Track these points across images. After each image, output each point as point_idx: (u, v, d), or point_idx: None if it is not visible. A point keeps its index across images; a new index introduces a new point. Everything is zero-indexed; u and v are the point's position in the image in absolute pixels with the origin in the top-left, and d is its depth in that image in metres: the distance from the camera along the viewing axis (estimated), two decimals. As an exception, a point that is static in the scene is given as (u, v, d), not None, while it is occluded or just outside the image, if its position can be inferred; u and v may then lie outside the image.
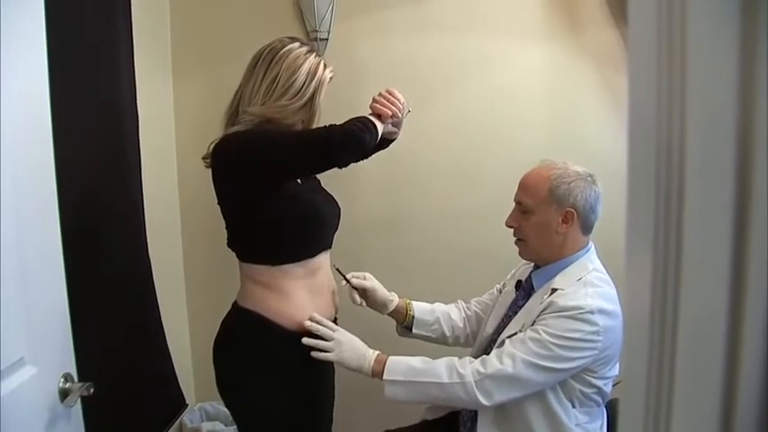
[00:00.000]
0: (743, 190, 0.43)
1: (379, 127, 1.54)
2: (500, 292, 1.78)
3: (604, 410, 1.56)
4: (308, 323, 1.51)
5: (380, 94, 1.58)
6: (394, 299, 1.76)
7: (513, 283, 1.70)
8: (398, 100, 1.58)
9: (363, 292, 1.71)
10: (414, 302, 1.80)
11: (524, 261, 1.72)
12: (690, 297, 0.48)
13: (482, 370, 1.44)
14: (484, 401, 1.43)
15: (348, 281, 1.65)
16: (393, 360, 1.51)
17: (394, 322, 1.82)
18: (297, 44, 1.53)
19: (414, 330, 1.77)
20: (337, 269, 1.62)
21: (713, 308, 0.45)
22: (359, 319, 1.72)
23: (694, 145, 0.46)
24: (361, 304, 1.71)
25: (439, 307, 1.83)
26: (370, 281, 1.72)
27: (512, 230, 1.60)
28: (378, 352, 1.54)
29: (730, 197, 0.43)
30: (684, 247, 0.48)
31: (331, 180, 1.72)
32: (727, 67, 0.44)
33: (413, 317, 1.76)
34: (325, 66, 1.55)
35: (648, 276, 0.51)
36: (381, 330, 1.80)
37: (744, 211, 0.43)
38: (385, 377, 1.48)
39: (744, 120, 0.43)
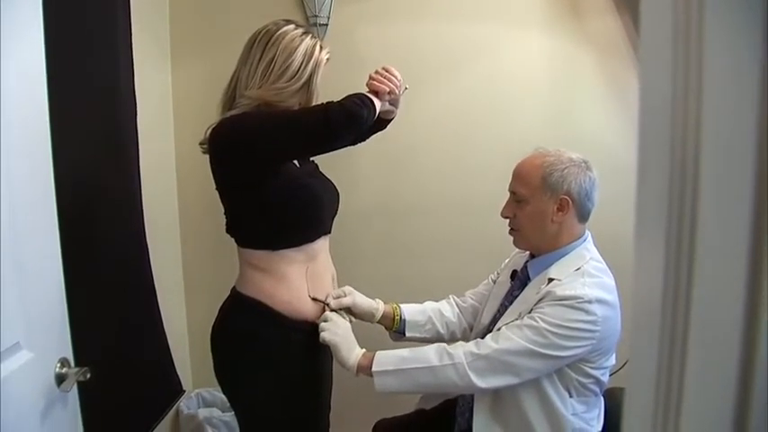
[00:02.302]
0: (760, 179, 0.42)
1: (377, 104, 1.53)
2: (494, 281, 1.76)
3: (602, 400, 1.56)
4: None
5: (377, 72, 1.58)
6: (379, 306, 1.70)
7: (508, 272, 1.69)
8: (395, 77, 1.58)
9: (348, 309, 1.64)
10: (402, 305, 1.74)
11: (518, 250, 1.70)
12: (703, 290, 0.47)
13: (476, 351, 1.42)
14: (477, 382, 1.41)
15: (327, 305, 1.57)
16: (381, 353, 1.50)
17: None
18: (292, 26, 1.52)
19: (407, 334, 1.72)
20: (313, 298, 1.55)
21: (728, 300, 0.44)
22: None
23: (710, 135, 0.45)
24: (351, 321, 1.62)
25: (429, 305, 1.79)
26: (350, 296, 1.63)
27: (507, 221, 1.59)
28: (365, 349, 1.53)
29: (748, 186, 0.42)
30: (698, 236, 0.47)
31: (328, 167, 1.71)
32: (748, 53, 0.42)
33: (402, 320, 1.71)
34: (321, 47, 1.53)
35: (660, 268, 0.50)
36: (378, 334, 1.77)
37: (761, 199, 0.42)
38: (374, 369, 1.46)
39: (764, 111, 0.42)
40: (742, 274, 0.43)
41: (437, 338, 1.75)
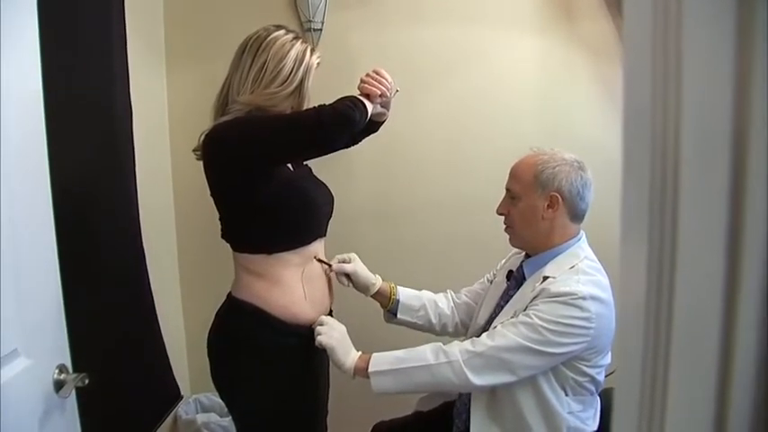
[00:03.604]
0: (738, 180, 0.43)
1: (369, 106, 1.54)
2: (490, 282, 1.78)
3: (598, 399, 1.56)
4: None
5: (368, 75, 1.59)
6: (376, 282, 1.75)
7: (504, 273, 1.71)
8: (386, 79, 1.59)
9: (347, 275, 1.71)
10: (400, 287, 1.79)
11: (515, 251, 1.73)
12: (685, 287, 0.48)
13: (471, 348, 1.44)
14: (474, 380, 1.42)
15: (329, 265, 1.64)
16: (377, 354, 1.51)
17: (388, 325, 1.81)
18: (282, 31, 1.53)
19: (399, 316, 1.76)
20: (318, 259, 1.60)
21: (708, 298, 0.45)
22: (353, 318, 1.71)
23: (689, 136, 0.46)
24: (348, 285, 1.72)
25: (426, 294, 1.83)
26: (353, 263, 1.72)
27: (503, 219, 1.61)
28: (361, 352, 1.54)
29: (725, 187, 0.43)
30: (679, 237, 0.48)
31: (323, 170, 1.72)
32: (723, 55, 0.44)
33: (397, 301, 1.76)
34: (311, 51, 1.55)
35: (643, 266, 0.51)
36: (374, 337, 1.78)
37: (738, 200, 0.43)
38: (371, 369, 1.48)
39: (739, 109, 0.43)
40: (720, 275, 0.44)
41: (428, 327, 1.80)
